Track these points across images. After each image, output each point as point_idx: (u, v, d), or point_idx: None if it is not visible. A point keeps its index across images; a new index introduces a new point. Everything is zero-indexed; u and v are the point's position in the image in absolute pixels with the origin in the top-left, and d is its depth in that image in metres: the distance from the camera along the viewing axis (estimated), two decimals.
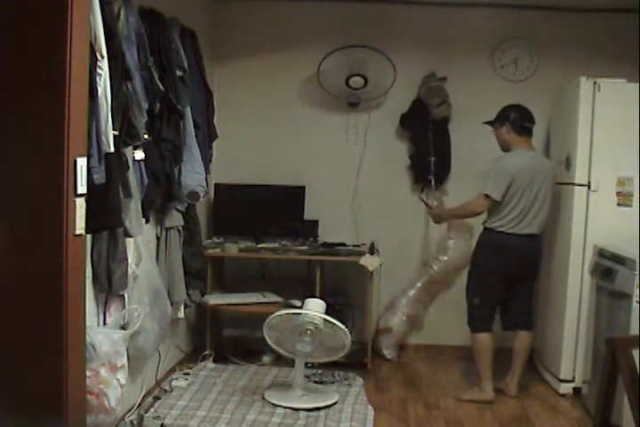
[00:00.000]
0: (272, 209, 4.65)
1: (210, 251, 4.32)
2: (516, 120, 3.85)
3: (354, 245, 4.51)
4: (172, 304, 3.59)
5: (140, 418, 3.23)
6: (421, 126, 4.53)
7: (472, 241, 4.42)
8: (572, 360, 3.90)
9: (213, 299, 4.26)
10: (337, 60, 4.43)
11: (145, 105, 3.02)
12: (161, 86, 3.16)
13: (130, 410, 3.30)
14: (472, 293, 3.94)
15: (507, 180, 3.75)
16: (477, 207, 3.86)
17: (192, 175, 3.62)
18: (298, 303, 4.01)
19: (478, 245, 3.95)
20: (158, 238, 3.68)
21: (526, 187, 3.78)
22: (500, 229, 3.82)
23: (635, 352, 2.36)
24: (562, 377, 3.93)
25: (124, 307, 3.07)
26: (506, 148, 3.92)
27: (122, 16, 2.85)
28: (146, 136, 3.07)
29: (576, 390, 3.90)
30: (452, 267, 4.58)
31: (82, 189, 2.25)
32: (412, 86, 4.55)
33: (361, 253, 4.30)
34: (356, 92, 4.51)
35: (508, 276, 3.86)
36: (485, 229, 3.90)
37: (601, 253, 3.67)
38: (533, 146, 3.94)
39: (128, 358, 2.87)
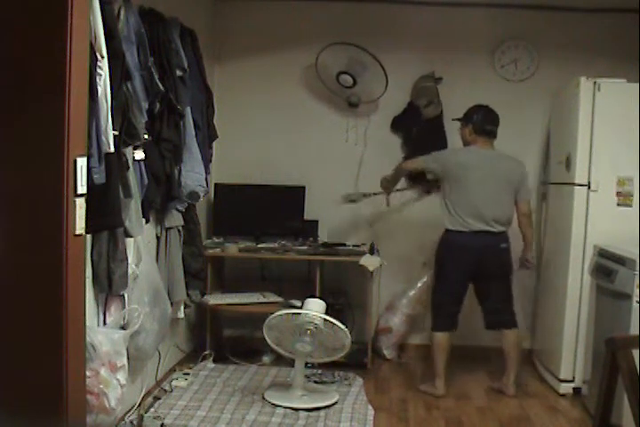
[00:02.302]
0: (272, 209, 4.65)
1: (210, 251, 4.32)
2: (477, 122, 3.93)
3: (354, 245, 4.51)
4: (171, 304, 3.58)
5: (140, 418, 3.23)
6: (413, 127, 4.54)
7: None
8: (572, 360, 3.90)
9: (213, 299, 4.26)
10: (337, 53, 4.43)
11: (145, 105, 3.02)
12: (161, 86, 3.16)
13: (130, 410, 3.30)
14: (432, 292, 4.06)
15: (440, 167, 3.89)
16: (407, 164, 4.11)
17: (192, 175, 3.62)
18: (298, 303, 4.01)
19: (437, 245, 4.01)
20: (158, 238, 3.68)
21: (473, 183, 3.83)
22: (451, 228, 3.89)
23: (635, 352, 2.36)
24: (562, 377, 3.93)
25: (124, 307, 3.07)
26: (466, 146, 4.00)
27: (122, 16, 2.85)
28: (146, 136, 3.07)
29: (576, 390, 3.90)
30: None
31: (82, 189, 2.25)
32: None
33: (361, 253, 4.30)
34: (354, 93, 4.52)
35: (468, 275, 3.90)
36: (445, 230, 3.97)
37: (601, 253, 3.67)
38: (493, 146, 3.96)
39: (128, 358, 2.87)
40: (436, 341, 3.94)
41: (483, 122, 3.92)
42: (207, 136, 3.89)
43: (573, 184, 3.87)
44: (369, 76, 4.47)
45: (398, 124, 4.63)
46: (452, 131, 4.50)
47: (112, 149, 2.60)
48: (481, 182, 3.84)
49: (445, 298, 3.94)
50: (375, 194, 4.41)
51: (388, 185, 4.26)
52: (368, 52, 4.41)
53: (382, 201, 4.36)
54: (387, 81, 4.46)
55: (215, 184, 4.60)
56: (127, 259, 2.98)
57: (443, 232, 3.94)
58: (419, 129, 4.55)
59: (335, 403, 3.65)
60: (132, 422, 3.20)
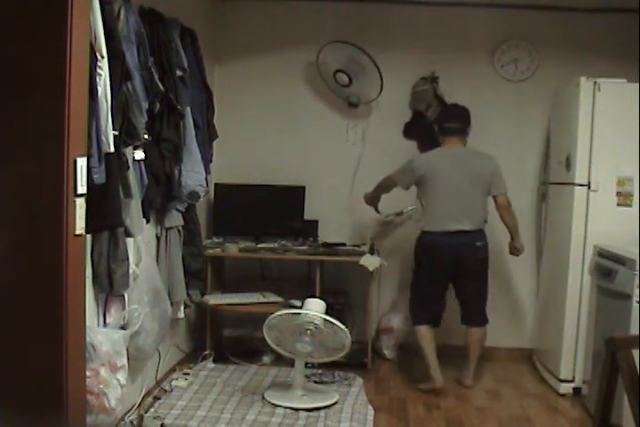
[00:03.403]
0: (272, 209, 4.65)
1: (210, 251, 4.32)
2: (439, 122, 4.03)
3: (354, 245, 4.51)
4: (171, 304, 3.59)
5: (140, 418, 3.23)
6: (423, 132, 4.54)
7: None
8: (572, 360, 3.90)
9: (213, 299, 4.26)
10: (337, 51, 4.44)
11: (145, 105, 3.02)
12: (161, 86, 3.16)
13: (130, 410, 3.30)
14: (410, 291, 4.12)
15: (412, 174, 3.95)
16: (382, 181, 4.13)
17: (192, 175, 3.62)
18: (298, 303, 4.01)
19: (415, 246, 4.06)
20: (158, 238, 3.68)
21: (444, 184, 3.88)
22: (426, 229, 3.97)
23: (635, 352, 2.36)
24: (562, 377, 3.93)
25: (124, 307, 3.07)
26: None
27: (122, 16, 2.85)
28: (146, 136, 3.07)
29: (576, 390, 3.90)
30: None
31: (82, 189, 2.25)
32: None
33: (361, 253, 4.29)
34: (354, 92, 4.52)
35: (446, 274, 3.96)
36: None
37: (601, 253, 3.67)
38: (462, 144, 4.00)
39: (128, 358, 2.87)
40: (420, 333, 4.01)
41: (442, 121, 4.02)
42: (207, 136, 3.89)
43: (573, 184, 3.87)
44: (365, 78, 4.49)
45: (410, 131, 4.63)
46: None
47: (112, 149, 2.60)
48: (451, 182, 3.90)
49: (422, 298, 4.04)
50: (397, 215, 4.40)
51: (371, 201, 4.31)
52: (367, 54, 4.41)
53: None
54: (381, 85, 4.47)
55: (215, 184, 4.60)
56: (128, 259, 2.99)
57: (419, 233, 4.02)
58: (429, 132, 4.54)
59: (335, 403, 3.65)
60: (132, 422, 3.20)
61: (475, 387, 4.08)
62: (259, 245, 4.47)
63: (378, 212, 4.35)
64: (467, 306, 4.05)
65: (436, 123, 4.14)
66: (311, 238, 4.56)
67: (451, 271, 3.96)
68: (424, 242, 4.00)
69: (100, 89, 2.51)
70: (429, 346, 3.98)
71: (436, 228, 3.93)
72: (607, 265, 3.53)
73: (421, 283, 4.04)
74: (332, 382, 3.99)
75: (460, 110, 4.07)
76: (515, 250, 4.13)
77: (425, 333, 4.00)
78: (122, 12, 2.85)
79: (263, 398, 3.67)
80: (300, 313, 3.59)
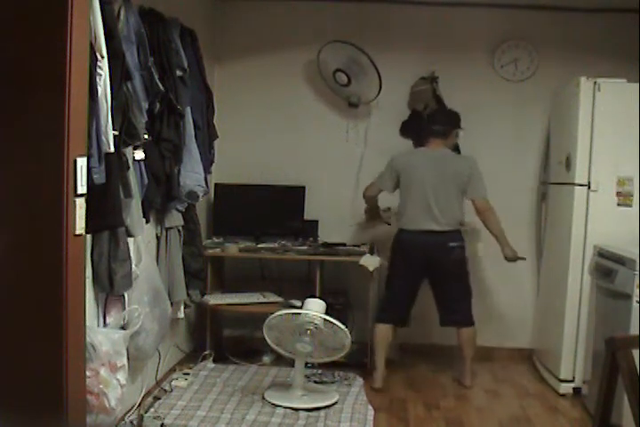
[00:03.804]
0: (272, 209, 4.65)
1: (210, 251, 4.32)
2: (427, 124, 4.12)
3: (354, 245, 4.51)
4: (171, 304, 3.59)
5: (140, 418, 3.23)
6: (420, 131, 4.53)
7: (476, 243, 4.44)
8: (572, 360, 3.90)
9: (213, 299, 4.26)
10: (337, 50, 4.44)
11: (145, 105, 3.02)
12: (161, 86, 3.16)
13: (130, 410, 3.30)
14: (384, 288, 4.14)
15: (391, 173, 4.02)
16: (365, 190, 4.18)
17: (191, 175, 3.62)
18: (298, 303, 4.01)
19: (391, 243, 4.10)
20: (158, 238, 3.68)
21: (420, 183, 3.92)
22: (401, 227, 4.03)
23: (635, 352, 2.36)
24: (562, 377, 3.93)
25: (124, 307, 3.07)
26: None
27: (122, 16, 2.85)
28: (146, 136, 3.07)
29: (576, 390, 3.90)
30: None
31: (82, 189, 2.25)
32: None
33: (361, 253, 4.29)
34: (354, 92, 4.52)
35: (419, 273, 3.99)
36: None
37: (601, 253, 3.67)
38: (441, 145, 4.04)
39: (128, 358, 2.87)
40: (376, 332, 4.05)
41: (429, 123, 4.10)
42: (207, 136, 3.89)
43: (573, 184, 3.87)
44: (364, 78, 4.49)
45: (407, 129, 4.63)
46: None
47: (112, 149, 2.60)
48: (427, 182, 3.93)
49: (392, 293, 4.05)
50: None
51: (371, 214, 4.34)
52: (366, 54, 4.40)
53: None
54: (380, 86, 4.47)
55: (215, 184, 4.60)
56: (130, 258, 2.98)
57: (396, 231, 4.06)
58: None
59: (335, 403, 3.65)
60: (132, 422, 3.20)
61: (475, 387, 4.08)
62: (259, 245, 4.46)
63: (388, 223, 4.38)
64: (447, 307, 4.06)
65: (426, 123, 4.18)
66: (311, 238, 4.56)
67: (424, 271, 3.98)
68: (399, 240, 4.04)
69: (100, 89, 2.51)
70: (381, 348, 4.03)
71: (410, 226, 3.97)
72: (607, 265, 3.53)
73: (393, 280, 4.06)
74: (332, 382, 3.99)
75: (447, 115, 4.12)
76: (506, 259, 4.09)
77: (382, 333, 4.03)
78: (122, 12, 2.85)
79: (263, 398, 3.67)
80: (300, 313, 3.59)
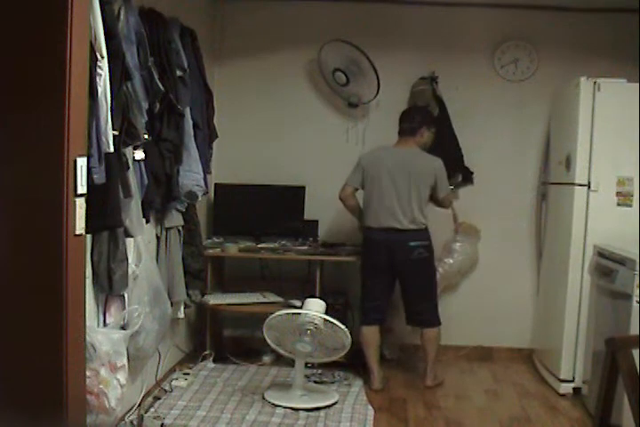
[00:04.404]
0: (272, 209, 4.65)
1: (210, 251, 4.32)
2: (399, 123, 4.11)
3: (354, 245, 4.50)
4: (171, 304, 3.58)
5: (140, 418, 3.23)
6: None
7: (479, 244, 4.44)
8: (572, 360, 3.90)
9: (213, 299, 4.26)
10: (337, 50, 4.45)
11: (145, 105, 3.02)
12: (161, 86, 3.16)
13: (130, 410, 3.30)
14: (361, 288, 4.14)
15: (359, 170, 4.02)
16: (340, 192, 4.09)
17: (189, 175, 3.62)
18: (298, 303, 4.02)
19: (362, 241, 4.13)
20: (158, 238, 3.68)
21: (385, 181, 3.93)
22: (366, 224, 4.04)
23: (635, 352, 2.36)
24: (562, 377, 3.93)
25: (124, 307, 3.07)
26: None
27: (122, 16, 2.84)
28: (146, 136, 3.07)
29: (576, 390, 3.90)
30: (457, 269, 4.56)
31: (82, 189, 2.25)
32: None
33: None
34: (354, 92, 4.52)
35: (386, 270, 3.98)
36: None
37: (601, 253, 3.67)
38: (410, 144, 4.04)
39: (128, 358, 2.87)
40: (363, 335, 4.05)
41: (400, 122, 4.10)
42: (207, 136, 3.89)
43: (573, 184, 3.87)
44: (363, 79, 4.50)
45: None
46: (460, 129, 4.51)
47: (112, 149, 2.60)
48: (391, 179, 3.94)
49: (367, 292, 4.07)
50: None
51: (358, 215, 4.29)
52: (366, 55, 4.41)
53: None
54: (378, 87, 4.47)
55: (215, 184, 4.60)
56: (127, 259, 2.98)
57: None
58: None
59: (335, 403, 3.65)
60: (132, 422, 3.20)
61: (475, 387, 4.08)
62: (259, 245, 4.46)
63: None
64: (411, 307, 4.07)
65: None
66: (311, 238, 4.56)
67: (389, 269, 3.98)
68: (365, 237, 4.06)
69: (100, 89, 2.51)
70: (371, 351, 4.02)
71: (374, 224, 3.98)
72: (607, 265, 3.52)
73: (366, 281, 4.07)
74: (332, 382, 3.99)
75: (417, 113, 4.12)
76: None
77: (368, 336, 4.03)
78: (122, 12, 2.85)
79: (263, 398, 3.67)
80: (300, 313, 3.59)
